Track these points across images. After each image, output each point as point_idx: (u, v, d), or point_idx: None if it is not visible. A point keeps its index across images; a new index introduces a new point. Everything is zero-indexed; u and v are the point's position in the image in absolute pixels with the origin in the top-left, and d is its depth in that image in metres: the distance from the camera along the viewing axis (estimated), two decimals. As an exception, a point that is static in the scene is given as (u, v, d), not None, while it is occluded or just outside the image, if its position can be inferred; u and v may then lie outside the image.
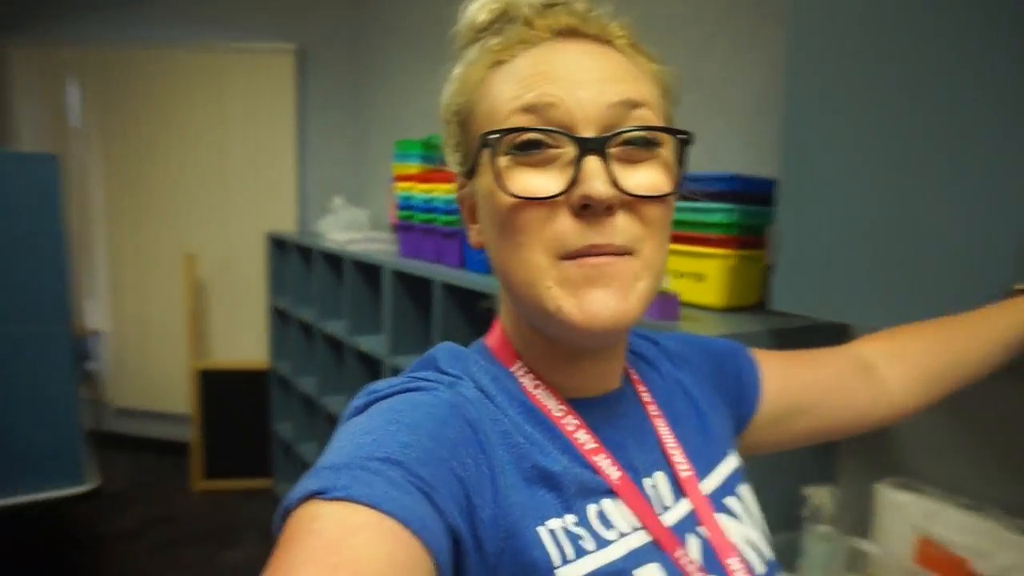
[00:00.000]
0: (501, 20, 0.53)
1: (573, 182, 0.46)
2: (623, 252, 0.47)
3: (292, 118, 3.70)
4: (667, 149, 0.49)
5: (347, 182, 3.64)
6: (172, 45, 3.71)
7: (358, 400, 0.51)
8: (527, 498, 0.47)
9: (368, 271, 2.43)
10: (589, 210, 0.46)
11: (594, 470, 0.51)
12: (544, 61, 0.49)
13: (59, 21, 3.81)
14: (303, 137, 3.73)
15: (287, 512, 0.39)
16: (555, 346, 0.53)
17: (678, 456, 0.57)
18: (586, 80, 0.47)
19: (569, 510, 0.48)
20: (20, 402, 2.33)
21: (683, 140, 0.50)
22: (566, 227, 0.46)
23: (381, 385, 0.51)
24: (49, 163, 2.31)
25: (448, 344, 0.58)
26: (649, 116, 0.49)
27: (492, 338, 0.58)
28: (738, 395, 0.68)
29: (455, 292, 1.85)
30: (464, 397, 0.50)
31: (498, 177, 0.47)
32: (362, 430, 0.45)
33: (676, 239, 1.34)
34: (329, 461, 0.41)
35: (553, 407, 0.53)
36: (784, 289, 1.10)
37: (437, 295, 1.87)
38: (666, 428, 0.58)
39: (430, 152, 2.45)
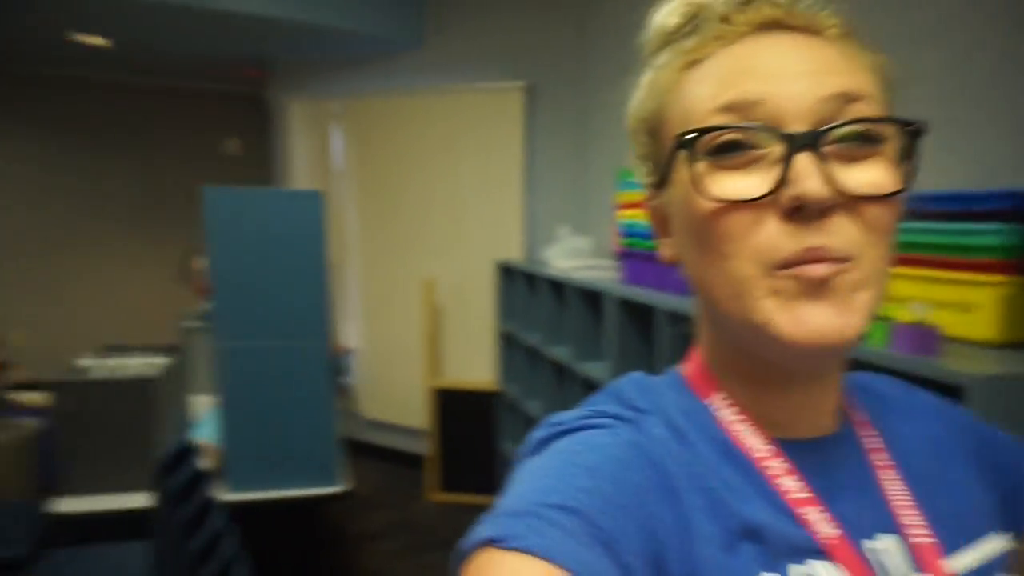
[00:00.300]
0: (693, 22, 0.48)
1: (781, 182, 0.40)
2: (842, 258, 0.40)
3: (520, 151, 3.88)
4: (892, 145, 0.42)
5: (571, 211, 3.73)
6: (416, 92, 4.08)
7: (539, 432, 0.48)
8: (721, 553, 0.42)
9: (591, 298, 2.46)
10: (801, 213, 0.40)
11: (802, 524, 0.44)
12: (746, 56, 0.43)
13: (327, 79, 4.41)
14: (530, 169, 3.89)
15: (464, 556, 0.39)
16: (761, 371, 0.47)
17: (911, 519, 0.47)
18: (796, 73, 0.42)
19: (770, 568, 0.42)
20: (288, 408, 2.66)
21: (913, 132, 0.42)
22: (775, 232, 0.41)
23: (563, 417, 0.48)
24: (315, 199, 2.62)
25: (637, 374, 0.54)
26: (869, 111, 0.42)
27: (688, 366, 0.53)
28: (1013, 494, 0.54)
29: (678, 319, 1.80)
30: (649, 435, 0.46)
31: (696, 181, 0.43)
32: (540, 472, 0.43)
33: (936, 264, 1.19)
34: (506, 506, 0.40)
35: (756, 446, 0.47)
36: (1081, 323, 0.93)
37: (660, 322, 1.84)
38: (896, 483, 0.49)
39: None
